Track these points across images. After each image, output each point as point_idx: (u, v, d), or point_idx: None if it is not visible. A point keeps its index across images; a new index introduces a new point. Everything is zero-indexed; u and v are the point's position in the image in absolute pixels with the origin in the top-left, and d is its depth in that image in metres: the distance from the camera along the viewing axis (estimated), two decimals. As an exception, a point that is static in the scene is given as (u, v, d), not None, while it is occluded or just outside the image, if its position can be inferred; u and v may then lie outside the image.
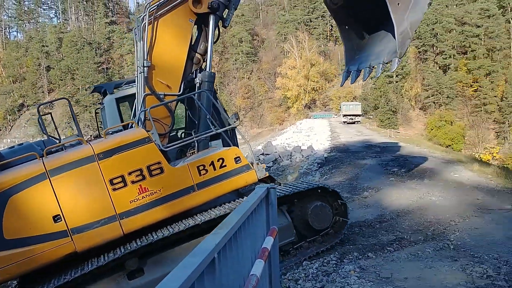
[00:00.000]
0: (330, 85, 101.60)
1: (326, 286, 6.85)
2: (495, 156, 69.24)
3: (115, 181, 6.89)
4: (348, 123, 65.08)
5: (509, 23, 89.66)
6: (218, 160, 7.76)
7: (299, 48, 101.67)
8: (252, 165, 7.98)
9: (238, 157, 7.92)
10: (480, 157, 57.69)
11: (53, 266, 6.64)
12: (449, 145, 66.61)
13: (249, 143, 9.60)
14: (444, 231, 9.24)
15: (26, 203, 6.45)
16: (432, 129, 75.63)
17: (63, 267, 6.72)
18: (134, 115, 8.46)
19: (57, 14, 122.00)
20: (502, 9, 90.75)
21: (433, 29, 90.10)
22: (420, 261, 7.50)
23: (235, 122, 8.57)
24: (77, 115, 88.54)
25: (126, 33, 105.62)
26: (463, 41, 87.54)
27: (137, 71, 8.10)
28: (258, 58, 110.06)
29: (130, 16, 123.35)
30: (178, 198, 7.28)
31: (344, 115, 68.09)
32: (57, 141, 8.15)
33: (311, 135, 46.29)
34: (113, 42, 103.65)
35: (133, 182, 6.97)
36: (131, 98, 8.95)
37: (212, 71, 8.59)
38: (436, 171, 16.79)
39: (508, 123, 79.08)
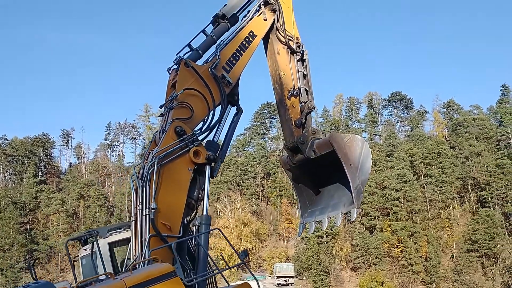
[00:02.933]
0: (263, 245, 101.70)
1: None
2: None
3: None
4: (282, 285, 64.07)
5: (424, 187, 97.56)
6: None
7: (232, 208, 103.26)
8: None
9: None
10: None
11: None
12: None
13: (257, 280, 10.09)
14: None
15: None
16: (364, 291, 75.79)
17: None
18: (129, 258, 8.73)
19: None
20: (416, 175, 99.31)
21: (373, 166, 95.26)
22: None
23: (244, 258, 9.12)
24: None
25: (55, 192, 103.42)
26: (385, 204, 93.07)
27: (138, 214, 8.57)
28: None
29: (61, 176, 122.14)
30: None
31: (278, 277, 67.29)
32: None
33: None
34: (39, 202, 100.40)
35: None
36: (124, 242, 9.35)
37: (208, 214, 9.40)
38: None
39: (435, 284, 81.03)
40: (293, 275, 69.48)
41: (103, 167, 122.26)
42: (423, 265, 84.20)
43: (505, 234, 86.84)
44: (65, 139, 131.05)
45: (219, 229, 11.19)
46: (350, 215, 10.14)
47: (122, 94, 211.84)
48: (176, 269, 7.59)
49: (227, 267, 9.21)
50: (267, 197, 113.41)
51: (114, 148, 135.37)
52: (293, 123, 11.01)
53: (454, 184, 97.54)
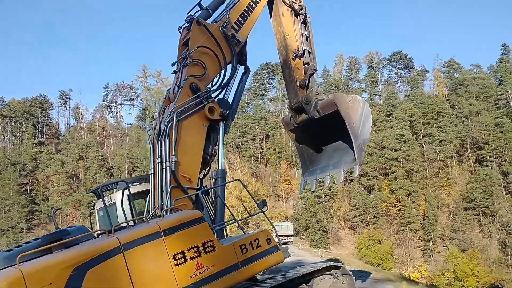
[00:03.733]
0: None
1: None
2: (423, 274, 70.68)
3: (177, 256, 7.37)
4: (281, 244, 64.69)
5: (423, 147, 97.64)
6: (255, 241, 8.66)
7: (231, 170, 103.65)
8: (279, 247, 9.00)
9: (269, 238, 8.91)
10: (409, 276, 58.65)
11: None
12: (379, 264, 67.44)
13: (275, 228, 10.92)
14: None
15: (102, 277, 6.61)
16: (362, 248, 76.77)
17: None
18: (148, 210, 9.40)
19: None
20: (415, 135, 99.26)
21: (373, 127, 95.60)
22: None
23: (263, 208, 9.80)
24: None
25: (54, 154, 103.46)
26: (384, 163, 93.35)
27: (157, 167, 9.19)
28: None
29: (60, 137, 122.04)
30: (227, 274, 7.89)
31: (277, 236, 67.95)
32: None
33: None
34: (39, 163, 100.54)
35: (191, 258, 7.50)
36: (142, 194, 9.97)
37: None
38: (367, 291, 16.74)
39: (432, 241, 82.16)
40: (292, 234, 70.19)
41: (102, 129, 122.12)
42: (421, 223, 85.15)
43: (502, 192, 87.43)
44: (62, 101, 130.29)
45: (239, 180, 12.46)
46: (352, 172, 10.83)
47: (120, 55, 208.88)
48: (204, 215, 8.22)
49: (247, 215, 10.68)
50: (266, 159, 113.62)
51: (112, 110, 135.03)
52: (298, 84, 11.34)
53: (453, 143, 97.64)
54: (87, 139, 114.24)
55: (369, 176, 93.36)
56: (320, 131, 11.50)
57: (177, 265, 7.30)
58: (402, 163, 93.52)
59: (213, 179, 9.93)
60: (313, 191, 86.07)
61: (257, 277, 9.51)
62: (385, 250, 75.20)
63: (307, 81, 11.39)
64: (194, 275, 7.43)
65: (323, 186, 12.23)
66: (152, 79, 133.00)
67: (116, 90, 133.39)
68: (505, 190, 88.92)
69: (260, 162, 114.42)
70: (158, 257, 7.20)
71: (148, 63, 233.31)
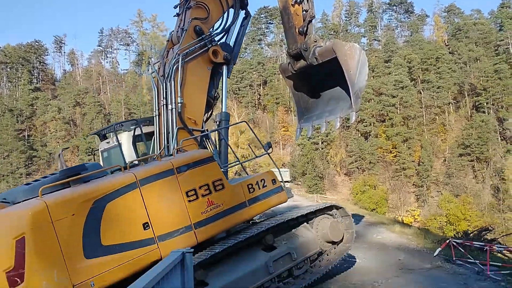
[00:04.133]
0: (259, 152, 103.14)
1: None
2: (416, 219, 72.27)
3: (190, 193, 7.81)
4: (284, 185, 65.58)
5: (420, 93, 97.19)
6: (261, 181, 9.19)
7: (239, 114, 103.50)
8: (283, 187, 9.57)
9: (274, 179, 9.47)
10: (402, 220, 60.01)
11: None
12: (374, 209, 68.77)
13: (279, 169, 11.46)
14: (368, 292, 9.33)
15: (121, 210, 6.95)
16: (357, 194, 78.09)
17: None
18: (153, 150, 9.63)
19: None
20: (413, 81, 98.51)
21: (368, 75, 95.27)
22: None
23: (268, 150, 10.40)
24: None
25: (50, 99, 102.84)
26: (381, 110, 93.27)
27: (162, 109, 9.39)
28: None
29: (56, 83, 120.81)
30: (236, 212, 8.42)
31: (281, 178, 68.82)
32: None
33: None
34: (36, 109, 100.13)
35: (203, 195, 7.95)
36: (146, 136, 10.05)
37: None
38: (360, 234, 17.10)
39: (426, 187, 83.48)
40: (289, 180, 71.03)
41: (98, 74, 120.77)
42: (416, 169, 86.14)
43: (497, 138, 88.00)
44: (58, 46, 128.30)
45: (246, 122, 13.04)
46: (349, 119, 10.90)
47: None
48: (214, 155, 8.68)
49: (252, 157, 11.11)
50: (263, 105, 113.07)
51: (107, 55, 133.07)
52: (297, 30, 11.21)
53: (450, 89, 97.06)
54: (83, 85, 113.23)
55: (366, 122, 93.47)
56: (317, 78, 11.59)
57: (189, 201, 7.73)
58: (399, 110, 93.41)
59: (217, 122, 10.16)
60: (310, 138, 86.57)
61: (255, 219, 9.77)
62: (379, 196, 76.50)
63: (306, 28, 11.31)
64: (205, 212, 7.89)
65: (320, 132, 12.59)
66: (147, 24, 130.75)
67: (111, 35, 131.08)
68: (500, 137, 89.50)
69: (258, 108, 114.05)
70: (172, 193, 7.58)
71: (144, 8, 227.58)
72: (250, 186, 8.89)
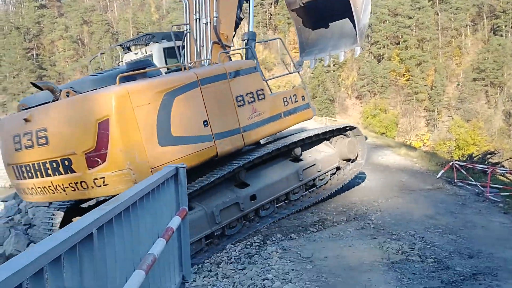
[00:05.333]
0: (270, 74, 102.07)
1: (247, 268, 6.79)
2: (426, 143, 72.47)
3: (238, 98, 8.48)
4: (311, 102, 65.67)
5: (438, 15, 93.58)
6: (293, 96, 9.89)
7: (238, 36, 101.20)
8: (310, 105, 10.27)
9: (303, 96, 10.18)
10: (411, 144, 60.22)
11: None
12: (383, 133, 68.86)
13: (306, 87, 12.23)
14: (366, 211, 9.47)
15: (186, 105, 7.49)
16: (367, 117, 77.86)
17: None
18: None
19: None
20: (431, 1, 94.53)
21: (371, 13, 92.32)
22: (341, 241, 7.62)
23: (299, 68, 11.55)
24: (5, 104, 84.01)
25: (57, 17, 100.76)
26: (396, 32, 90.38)
27: (194, 23, 9.67)
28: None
29: (61, 0, 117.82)
30: (274, 121, 9.16)
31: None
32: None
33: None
34: (43, 27, 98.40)
35: (248, 102, 8.64)
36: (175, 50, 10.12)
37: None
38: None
39: (437, 111, 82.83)
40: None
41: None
42: (428, 94, 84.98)
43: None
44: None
45: (280, 39, 14.43)
46: (354, 53, 11.75)
47: None
48: (257, 66, 9.30)
49: (284, 73, 12.29)
50: (274, 25, 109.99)
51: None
52: None
53: (469, 11, 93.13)
54: (90, 2, 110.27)
55: (379, 44, 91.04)
56: (322, 13, 12.06)
57: (239, 106, 8.45)
58: (415, 32, 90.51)
59: (245, 40, 10.36)
60: (312, 68, 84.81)
61: (260, 142, 9.94)
62: (390, 120, 76.27)
63: None
64: (250, 117, 8.63)
65: (324, 65, 13.20)
66: None
67: None
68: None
69: (268, 28, 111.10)
70: (225, 97, 8.26)
71: None
72: (285, 99, 9.60)
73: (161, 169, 6.12)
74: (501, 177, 13.92)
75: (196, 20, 9.63)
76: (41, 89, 7.36)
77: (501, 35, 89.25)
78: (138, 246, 3.45)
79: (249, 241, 7.97)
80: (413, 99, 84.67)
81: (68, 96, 7.18)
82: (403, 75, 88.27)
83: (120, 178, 6.62)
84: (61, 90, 7.27)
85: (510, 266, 6.27)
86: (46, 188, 7.35)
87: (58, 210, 9.00)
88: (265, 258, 7.06)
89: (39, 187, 7.46)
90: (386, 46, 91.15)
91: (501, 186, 11.25)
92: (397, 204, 9.94)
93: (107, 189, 6.84)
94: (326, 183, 10.52)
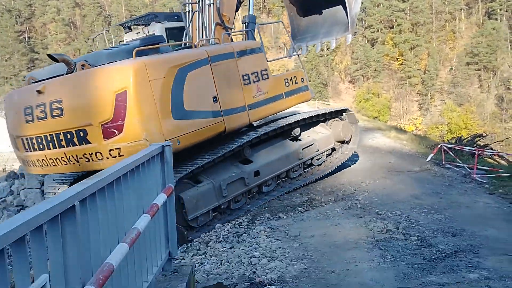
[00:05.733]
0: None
1: (235, 246, 6.91)
2: (418, 127, 72.75)
3: (245, 77, 8.87)
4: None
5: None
6: (294, 77, 10.36)
7: (238, 20, 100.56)
8: (308, 87, 10.74)
9: (303, 78, 10.63)
10: (403, 127, 60.42)
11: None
12: (376, 117, 68.99)
13: (305, 70, 12.77)
14: (354, 192, 9.61)
15: (197, 81, 7.82)
16: (360, 102, 77.94)
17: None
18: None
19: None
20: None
21: (362, 3, 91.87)
22: (327, 220, 7.75)
23: (298, 52, 12.14)
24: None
25: (49, 0, 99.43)
26: (390, 16, 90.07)
27: (199, 4, 9.80)
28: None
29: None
30: (276, 101, 9.60)
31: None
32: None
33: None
34: (34, 10, 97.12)
35: (253, 81, 9.02)
36: (177, 30, 10.57)
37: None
38: (355, 138, 17.34)
39: (430, 95, 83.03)
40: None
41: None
42: (421, 78, 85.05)
43: (507, 47, 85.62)
44: None
45: (281, 22, 15.05)
46: (346, 40, 12.12)
47: None
48: (261, 46, 9.72)
49: (284, 56, 12.46)
50: (268, 8, 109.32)
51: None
52: None
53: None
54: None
55: (373, 28, 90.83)
56: (315, 2, 12.43)
57: (245, 84, 8.82)
58: (409, 15, 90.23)
59: (246, 23, 10.48)
60: (304, 54, 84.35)
61: (254, 124, 10.08)
62: (383, 104, 76.41)
63: None
64: (255, 96, 9.03)
65: (316, 52, 13.63)
66: None
67: None
68: (510, 45, 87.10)
69: (262, 12, 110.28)
70: (232, 74, 8.62)
71: None
72: (286, 81, 10.02)
73: (174, 141, 7.12)
74: (489, 160, 14.10)
75: (198, 2, 9.84)
76: (56, 60, 7.39)
77: (496, 19, 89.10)
78: (123, 221, 3.53)
79: (237, 220, 8.10)
80: (406, 83, 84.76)
81: (83, 68, 7.29)
82: (397, 59, 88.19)
83: (136, 148, 6.67)
84: (75, 63, 7.38)
85: (491, 243, 6.42)
86: (59, 159, 7.48)
87: (62, 183, 9.03)
88: (253, 237, 7.19)
89: (50, 159, 7.57)
90: (380, 30, 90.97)
91: (487, 168, 11.42)
92: (385, 185, 10.08)
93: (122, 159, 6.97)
94: (323, 163, 10.98)
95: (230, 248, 6.90)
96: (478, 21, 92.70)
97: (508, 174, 10.87)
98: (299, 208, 8.54)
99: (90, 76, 7.10)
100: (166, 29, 10.47)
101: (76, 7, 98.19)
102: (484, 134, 22.13)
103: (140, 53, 7.30)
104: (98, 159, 7.08)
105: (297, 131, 10.20)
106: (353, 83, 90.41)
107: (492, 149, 16.87)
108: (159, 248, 4.55)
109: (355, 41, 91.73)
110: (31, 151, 7.84)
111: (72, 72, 7.34)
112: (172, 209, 4.85)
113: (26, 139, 7.79)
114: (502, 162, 14.17)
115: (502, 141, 40.82)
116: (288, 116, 10.50)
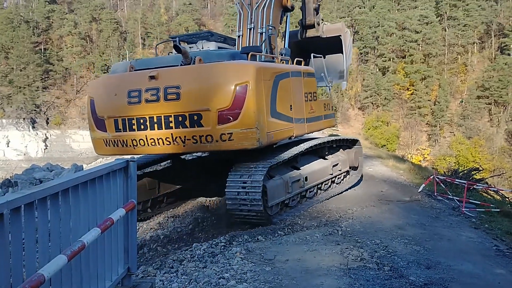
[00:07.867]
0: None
1: (208, 267, 6.88)
2: (426, 158, 72.33)
3: (305, 94, 10.25)
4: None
5: (445, 31, 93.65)
6: (328, 104, 12.22)
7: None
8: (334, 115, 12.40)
9: (332, 106, 12.55)
10: (411, 158, 60.04)
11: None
12: (384, 145, 68.76)
13: (332, 99, 14.22)
14: (338, 218, 9.53)
15: (284, 88, 9.07)
16: (369, 129, 77.79)
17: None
18: None
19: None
20: (439, 17, 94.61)
21: (375, 32, 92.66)
22: (306, 245, 7.68)
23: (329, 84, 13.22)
24: (10, 97, 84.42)
25: (67, 13, 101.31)
26: (402, 45, 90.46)
27: (247, 31, 10.89)
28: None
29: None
30: (318, 121, 11.14)
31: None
32: None
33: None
34: (52, 22, 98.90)
35: (309, 100, 10.44)
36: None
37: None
38: (352, 165, 17.26)
39: (439, 127, 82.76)
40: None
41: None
42: (431, 109, 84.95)
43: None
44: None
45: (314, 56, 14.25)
46: (341, 87, 14.53)
47: None
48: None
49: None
50: (281, 33, 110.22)
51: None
52: (313, 6, 12.92)
53: (477, 28, 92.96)
54: (100, 0, 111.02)
55: (385, 57, 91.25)
56: (315, 49, 13.15)
57: (305, 100, 10.20)
58: (421, 46, 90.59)
59: (283, 55, 11.15)
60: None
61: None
62: (391, 132, 76.10)
63: (318, 7, 13.10)
64: (310, 112, 10.38)
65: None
66: None
67: None
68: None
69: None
70: (299, 91, 9.98)
71: None
72: (324, 105, 11.63)
73: (270, 135, 8.47)
74: (484, 194, 13.95)
75: (249, 29, 10.74)
76: (180, 51, 8.40)
77: (508, 54, 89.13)
78: (69, 234, 3.54)
79: (215, 240, 8.06)
80: (416, 113, 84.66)
81: (200, 62, 8.39)
82: (407, 89, 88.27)
83: (247, 135, 7.86)
84: (191, 58, 8.47)
85: (464, 278, 6.33)
86: (162, 140, 8.29)
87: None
88: (227, 258, 7.14)
89: (151, 139, 8.35)
90: (391, 59, 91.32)
91: (478, 202, 11.28)
92: (371, 213, 9.99)
93: (232, 143, 8.01)
94: (340, 182, 12.44)
95: (203, 268, 6.86)
96: (491, 56, 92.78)
97: (498, 210, 10.75)
98: (279, 232, 8.47)
99: (211, 69, 8.17)
100: (219, 47, 11.16)
101: (93, 22, 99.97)
102: (480, 168, 21.89)
103: (245, 58, 8.62)
104: (208, 141, 8.02)
105: (324, 151, 11.63)
106: (362, 110, 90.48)
107: (487, 183, 16.70)
108: (116, 263, 4.54)
109: (367, 69, 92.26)
110: (126, 131, 8.49)
111: (189, 64, 8.45)
112: (133, 224, 4.85)
113: (123, 119, 8.48)
114: (497, 197, 14.00)
115: (499, 175, 40.42)
116: (316, 138, 11.85)
